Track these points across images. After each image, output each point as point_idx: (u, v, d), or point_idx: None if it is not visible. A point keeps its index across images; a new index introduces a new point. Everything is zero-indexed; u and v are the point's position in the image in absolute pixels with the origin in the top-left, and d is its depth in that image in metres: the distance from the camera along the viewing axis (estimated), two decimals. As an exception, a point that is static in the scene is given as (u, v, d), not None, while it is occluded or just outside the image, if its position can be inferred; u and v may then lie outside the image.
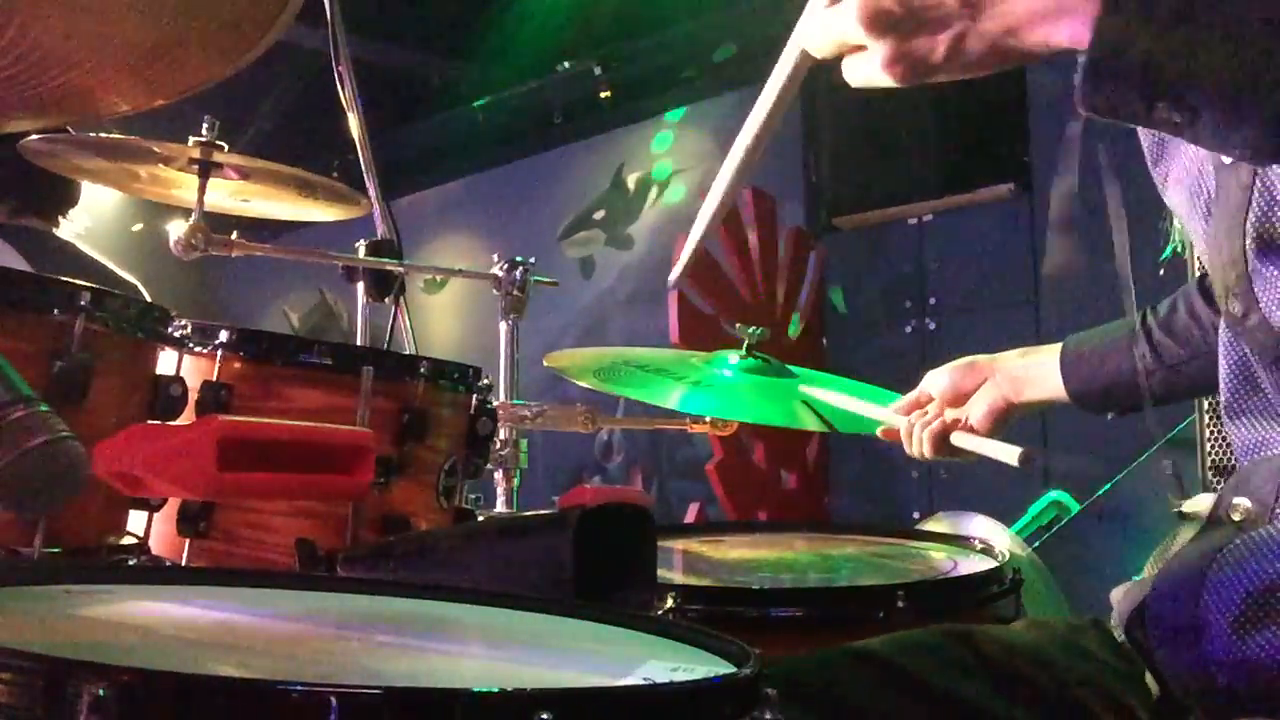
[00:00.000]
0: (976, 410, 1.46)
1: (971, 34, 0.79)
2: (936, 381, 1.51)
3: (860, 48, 0.83)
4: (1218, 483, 2.44)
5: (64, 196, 2.69)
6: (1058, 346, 1.44)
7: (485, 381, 1.79)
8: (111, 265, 2.67)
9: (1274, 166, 0.93)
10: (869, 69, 0.84)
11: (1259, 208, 0.95)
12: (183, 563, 1.49)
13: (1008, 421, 1.46)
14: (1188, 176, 1.05)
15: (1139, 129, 1.12)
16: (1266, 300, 0.95)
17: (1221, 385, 1.06)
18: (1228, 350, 1.05)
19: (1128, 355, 1.37)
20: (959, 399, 1.48)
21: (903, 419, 1.51)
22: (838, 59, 0.86)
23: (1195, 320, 1.31)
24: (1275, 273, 0.94)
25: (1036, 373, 1.44)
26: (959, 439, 1.44)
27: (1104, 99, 0.76)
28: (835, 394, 1.73)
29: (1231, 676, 0.89)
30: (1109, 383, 1.38)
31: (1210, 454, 2.47)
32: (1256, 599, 0.89)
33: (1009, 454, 1.37)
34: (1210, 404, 2.46)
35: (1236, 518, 0.98)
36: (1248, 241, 0.96)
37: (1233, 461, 2.18)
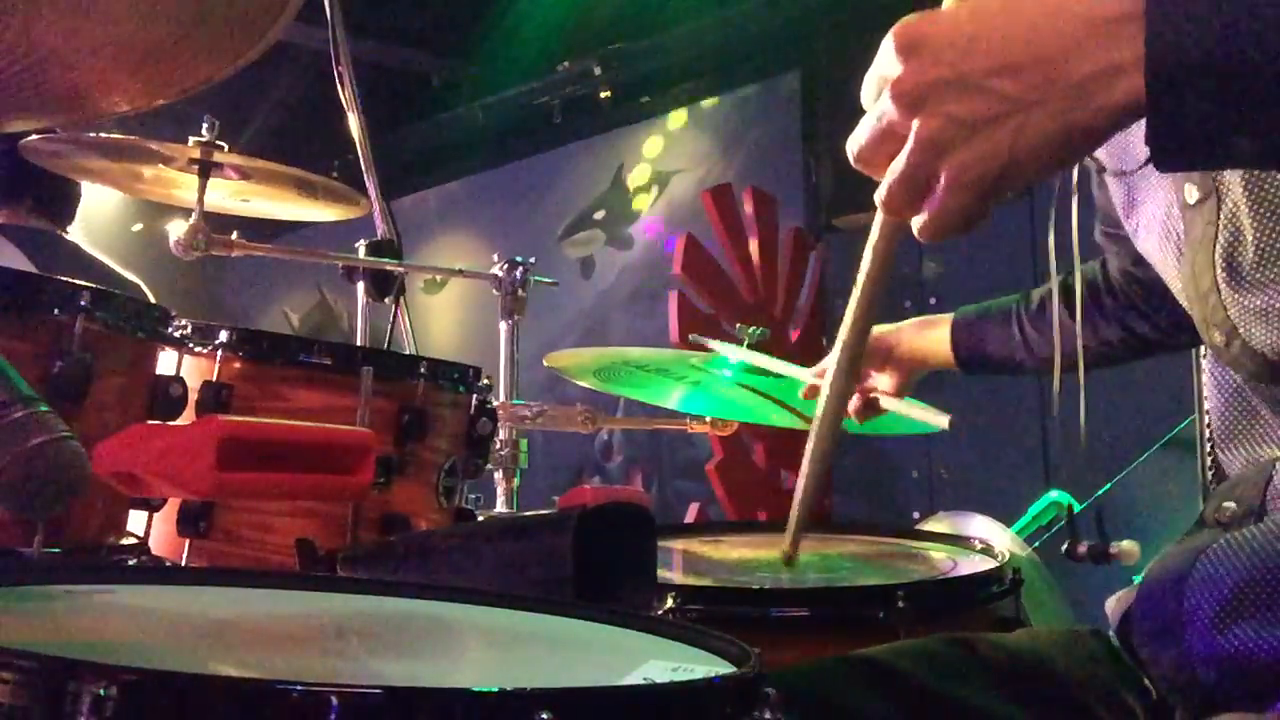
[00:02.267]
0: (887, 377, 1.65)
1: (1032, 118, 0.70)
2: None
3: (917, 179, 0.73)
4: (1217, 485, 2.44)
5: (68, 199, 2.70)
6: (949, 317, 1.63)
7: (485, 381, 1.79)
8: (115, 265, 2.67)
9: (1231, 199, 0.94)
10: (934, 210, 0.74)
11: (1224, 240, 0.96)
12: (183, 563, 1.49)
13: (912, 385, 1.67)
14: (1156, 222, 1.06)
15: (1108, 185, 1.14)
16: (1244, 326, 0.96)
17: (1213, 415, 1.07)
18: (1219, 382, 1.05)
19: (1004, 333, 1.58)
20: (875, 364, 1.66)
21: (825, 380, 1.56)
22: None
23: (1058, 323, 1.41)
24: (1248, 300, 0.95)
25: (934, 346, 1.63)
26: (887, 403, 1.64)
27: (1182, 157, 0.70)
28: (768, 360, 1.84)
29: (1212, 672, 0.89)
30: (991, 356, 1.60)
31: (1210, 460, 2.46)
32: (1236, 595, 0.89)
33: (938, 418, 1.64)
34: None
35: (1223, 520, 0.98)
36: (1218, 273, 0.97)
37: None
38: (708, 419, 2.23)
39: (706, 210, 4.68)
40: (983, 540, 1.66)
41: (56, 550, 1.26)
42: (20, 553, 1.20)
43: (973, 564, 1.54)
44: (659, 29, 5.85)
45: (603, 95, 6.18)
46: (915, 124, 0.71)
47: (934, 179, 0.73)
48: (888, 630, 1.23)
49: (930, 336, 1.64)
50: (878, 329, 1.63)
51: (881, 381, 1.66)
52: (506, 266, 2.17)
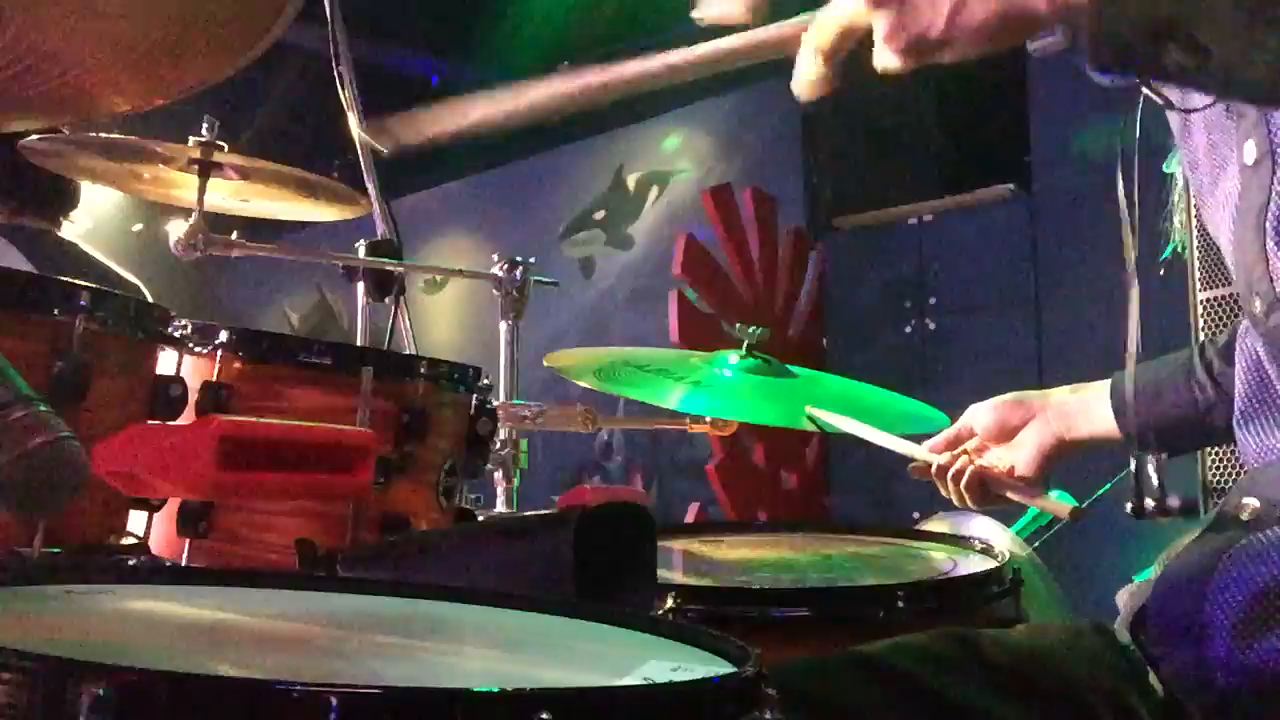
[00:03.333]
0: (1024, 449, 1.35)
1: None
2: (980, 417, 1.40)
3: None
4: (1218, 483, 2.43)
5: (65, 197, 2.69)
6: (1108, 382, 1.34)
7: (485, 381, 1.79)
8: (113, 265, 2.67)
9: None
10: (878, 50, 0.85)
11: (1277, 208, 0.95)
12: (183, 563, 1.49)
13: (1058, 460, 1.35)
14: (1217, 186, 1.05)
15: (1172, 120, 1.11)
16: None
17: (1235, 393, 1.06)
18: (1244, 356, 1.05)
19: (1186, 389, 1.26)
20: (1005, 435, 1.37)
21: (938, 457, 1.39)
22: (844, 41, 0.89)
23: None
24: None
25: (1089, 408, 1.33)
26: (1000, 487, 1.34)
27: (1112, 49, 0.75)
28: (850, 421, 1.64)
29: (1232, 678, 0.88)
30: (1166, 419, 1.26)
31: (1210, 454, 2.46)
32: (1262, 600, 0.88)
33: (1058, 508, 1.29)
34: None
35: (1245, 517, 0.97)
36: (1269, 239, 0.96)
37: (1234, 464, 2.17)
38: (708, 419, 2.23)
39: (706, 210, 4.69)
40: (983, 540, 1.66)
41: (56, 550, 1.26)
42: (20, 553, 1.20)
43: (972, 564, 1.54)
44: (659, 29, 5.85)
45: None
46: None
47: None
48: (888, 630, 1.23)
49: (1086, 399, 1.34)
50: (1019, 393, 1.39)
51: (1021, 449, 1.36)
52: (506, 266, 2.17)
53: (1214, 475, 2.45)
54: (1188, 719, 0.95)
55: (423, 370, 1.63)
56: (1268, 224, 0.95)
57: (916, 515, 3.84)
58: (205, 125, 1.78)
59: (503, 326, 2.18)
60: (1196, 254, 2.48)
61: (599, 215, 6.24)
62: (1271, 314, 0.96)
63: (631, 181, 6.14)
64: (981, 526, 2.14)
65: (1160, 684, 0.98)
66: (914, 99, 4.52)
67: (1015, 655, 1.03)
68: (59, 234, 2.68)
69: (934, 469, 1.38)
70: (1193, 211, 2.46)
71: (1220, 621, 0.90)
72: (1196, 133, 1.08)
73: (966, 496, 1.36)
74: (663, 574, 1.39)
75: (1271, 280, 0.95)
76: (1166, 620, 0.96)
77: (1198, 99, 1.02)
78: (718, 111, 5.82)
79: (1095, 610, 1.23)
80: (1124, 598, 1.05)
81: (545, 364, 1.89)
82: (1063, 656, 1.03)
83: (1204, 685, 0.91)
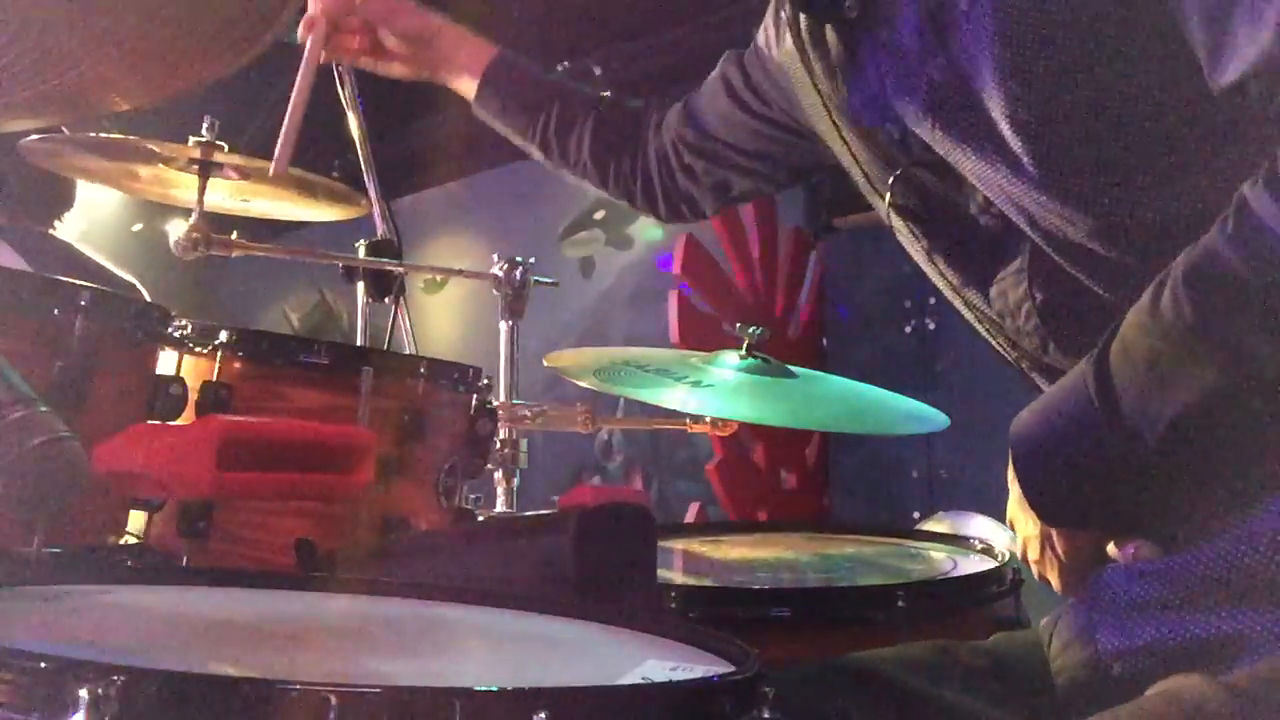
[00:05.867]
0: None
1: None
2: None
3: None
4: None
5: (59, 197, 2.69)
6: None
7: (485, 381, 1.79)
8: (109, 265, 2.67)
9: None
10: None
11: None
12: (183, 563, 1.49)
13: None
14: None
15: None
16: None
17: None
18: None
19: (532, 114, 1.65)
20: None
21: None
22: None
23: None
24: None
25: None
26: None
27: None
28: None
29: (1126, 665, 0.93)
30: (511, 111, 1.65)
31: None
32: (1138, 600, 0.93)
33: None
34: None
35: None
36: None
37: None
38: (708, 419, 2.23)
39: (706, 210, 4.68)
40: (983, 540, 1.66)
41: (57, 550, 1.26)
42: (20, 553, 1.20)
43: (972, 564, 1.54)
44: (659, 29, 5.85)
45: (603, 95, 6.18)
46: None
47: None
48: (887, 631, 1.23)
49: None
50: None
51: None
52: (506, 266, 2.16)
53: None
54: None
55: (423, 370, 1.63)
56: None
57: (916, 515, 3.84)
58: (205, 125, 1.77)
59: (503, 326, 2.17)
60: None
61: (599, 215, 6.24)
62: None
63: (631, 181, 6.14)
64: (981, 526, 2.14)
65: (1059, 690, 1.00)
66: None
67: (995, 660, 1.07)
68: (55, 234, 2.69)
69: None
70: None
71: (1107, 622, 0.95)
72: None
73: None
74: (663, 574, 1.40)
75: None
76: (1063, 630, 1.01)
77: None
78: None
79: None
80: (1045, 622, 1.08)
81: (545, 364, 1.89)
82: (1039, 660, 1.05)
83: (1099, 678, 0.94)
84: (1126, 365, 0.90)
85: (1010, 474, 1.03)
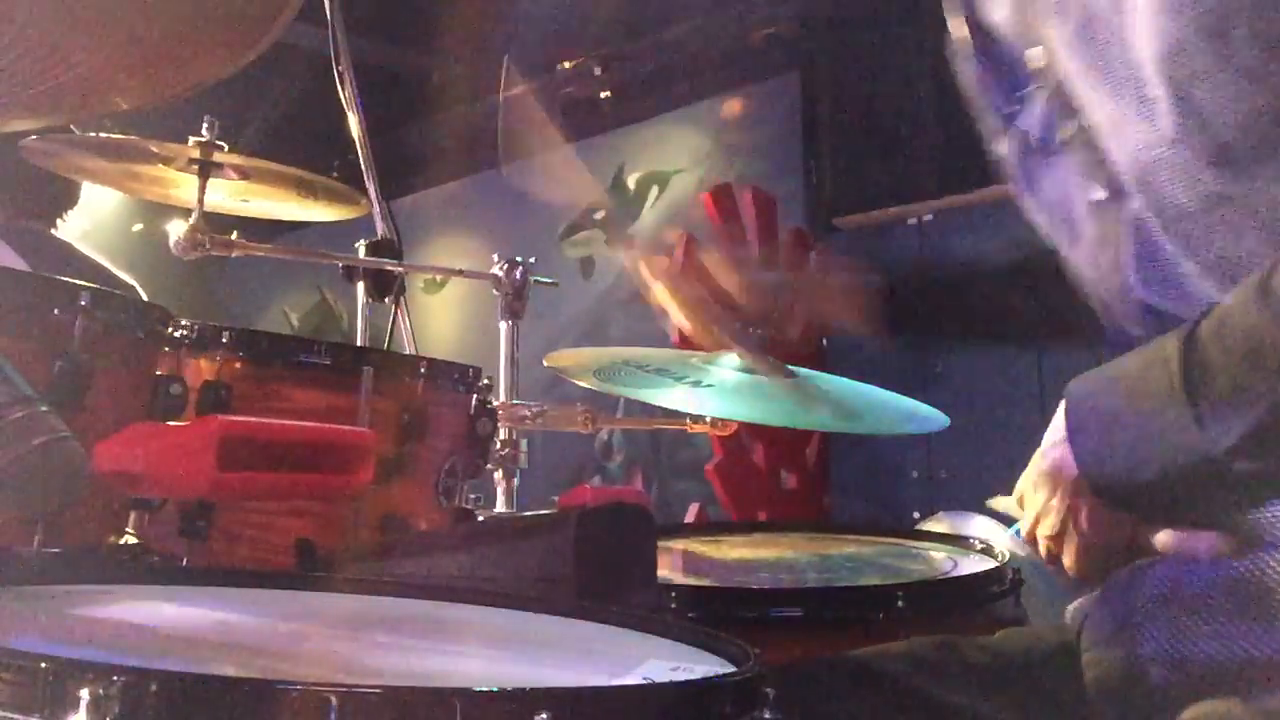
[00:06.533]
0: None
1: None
2: None
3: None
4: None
5: (62, 197, 2.69)
6: None
7: (485, 381, 1.79)
8: (109, 265, 2.67)
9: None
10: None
11: (1132, 240, 0.95)
12: (183, 563, 1.49)
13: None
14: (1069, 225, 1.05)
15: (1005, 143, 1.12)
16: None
17: None
18: None
19: None
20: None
21: None
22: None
23: None
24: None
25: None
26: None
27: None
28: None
29: (1163, 673, 0.89)
30: None
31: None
32: (1188, 599, 0.90)
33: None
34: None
35: None
36: (1129, 275, 0.96)
37: None
38: (708, 419, 2.23)
39: (706, 210, 4.68)
40: (983, 540, 1.66)
41: (56, 550, 1.26)
42: (20, 553, 1.20)
43: (972, 564, 1.54)
44: (659, 29, 5.85)
45: (603, 95, 6.18)
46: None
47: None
48: (888, 630, 1.23)
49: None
50: None
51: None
52: (506, 266, 2.16)
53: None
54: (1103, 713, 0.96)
55: (423, 370, 1.63)
56: (1123, 259, 0.95)
57: (916, 515, 3.84)
58: (205, 125, 1.77)
59: (503, 326, 2.18)
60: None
61: (599, 215, 6.24)
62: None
63: (631, 181, 6.14)
64: (981, 526, 2.14)
65: (1088, 686, 0.98)
66: (914, 99, 4.51)
67: (998, 657, 1.05)
68: (55, 234, 2.68)
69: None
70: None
71: (1152, 621, 0.91)
72: (1043, 175, 1.09)
73: None
74: (663, 574, 1.39)
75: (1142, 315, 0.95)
76: (1100, 623, 0.97)
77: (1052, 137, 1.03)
78: (718, 111, 5.82)
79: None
80: (1072, 610, 1.07)
81: (545, 364, 1.89)
82: (1043, 657, 1.04)
83: (1134, 683, 0.91)
84: (1220, 343, 0.80)
85: (1051, 436, 0.93)
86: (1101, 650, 0.97)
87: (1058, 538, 0.94)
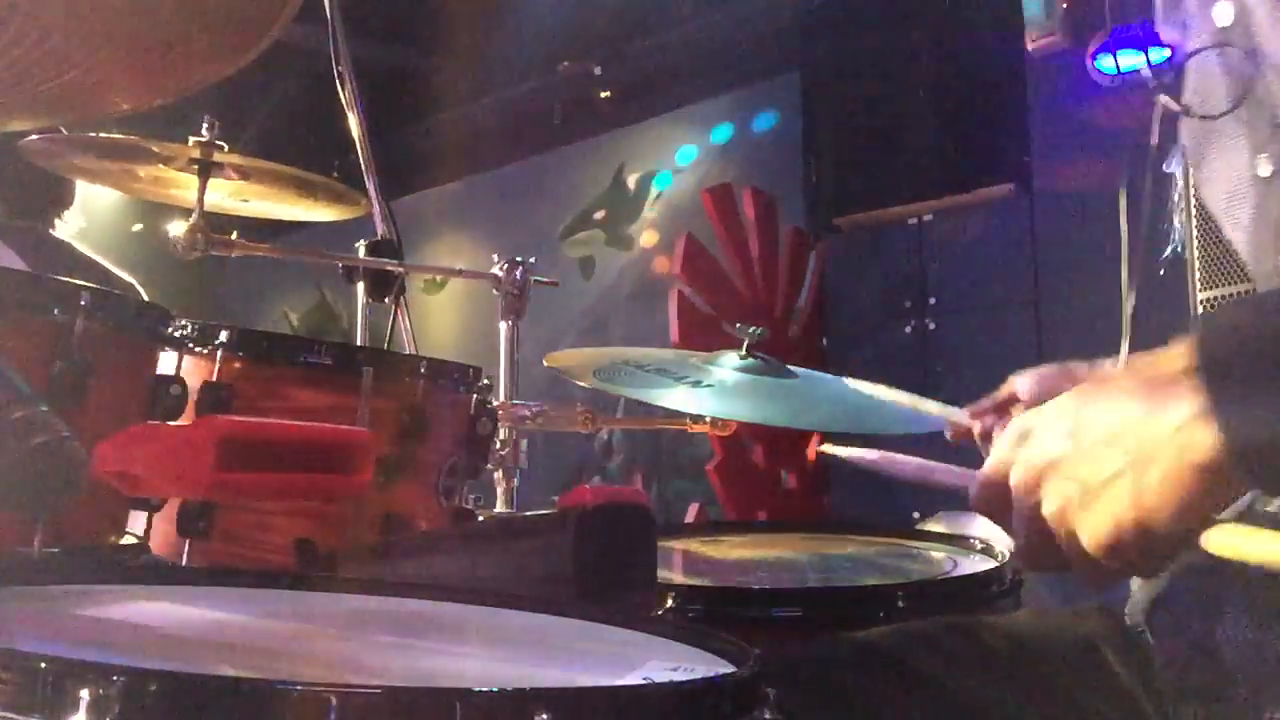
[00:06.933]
0: None
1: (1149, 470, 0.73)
2: (1023, 383, 1.32)
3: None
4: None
5: (58, 197, 2.69)
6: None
7: (485, 381, 1.79)
8: (108, 265, 2.67)
9: None
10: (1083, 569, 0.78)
11: None
12: (183, 563, 1.49)
13: None
14: (1226, 182, 1.04)
15: (1184, 125, 1.10)
16: None
17: None
18: None
19: None
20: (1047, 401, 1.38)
21: (977, 422, 1.36)
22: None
23: None
24: None
25: None
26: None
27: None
28: (886, 390, 1.65)
29: (1242, 657, 0.88)
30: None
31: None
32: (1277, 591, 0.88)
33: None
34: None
35: (1271, 509, 0.96)
36: None
37: None
38: (708, 419, 2.23)
39: (706, 210, 4.68)
40: (983, 540, 1.66)
41: (56, 550, 1.26)
42: (20, 553, 1.20)
43: (972, 564, 1.54)
44: (659, 29, 5.85)
45: (603, 95, 6.19)
46: (1043, 498, 0.77)
47: (1072, 540, 0.76)
48: (888, 630, 1.23)
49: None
50: (1066, 363, 1.30)
51: None
52: (506, 266, 2.16)
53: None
54: (1185, 703, 0.94)
55: (423, 370, 1.63)
56: None
57: (916, 515, 3.84)
58: (205, 125, 1.77)
59: (503, 326, 2.17)
60: (1196, 254, 2.47)
61: (599, 215, 6.24)
62: None
63: (631, 181, 6.15)
64: (981, 526, 2.14)
65: (1167, 670, 0.97)
66: (914, 99, 4.51)
67: (1013, 641, 1.03)
68: (54, 233, 2.68)
69: (977, 430, 1.37)
70: (1193, 211, 2.46)
71: (1236, 603, 0.90)
72: (1207, 142, 1.07)
73: None
74: (663, 574, 1.39)
75: None
76: (1180, 609, 0.96)
77: (1219, 104, 1.01)
78: (717, 111, 5.82)
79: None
80: (1138, 582, 1.04)
81: (545, 364, 1.89)
82: (1062, 642, 1.03)
83: (1212, 664, 0.90)
84: None
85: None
86: (1184, 637, 0.94)
87: (1092, 511, 0.81)
